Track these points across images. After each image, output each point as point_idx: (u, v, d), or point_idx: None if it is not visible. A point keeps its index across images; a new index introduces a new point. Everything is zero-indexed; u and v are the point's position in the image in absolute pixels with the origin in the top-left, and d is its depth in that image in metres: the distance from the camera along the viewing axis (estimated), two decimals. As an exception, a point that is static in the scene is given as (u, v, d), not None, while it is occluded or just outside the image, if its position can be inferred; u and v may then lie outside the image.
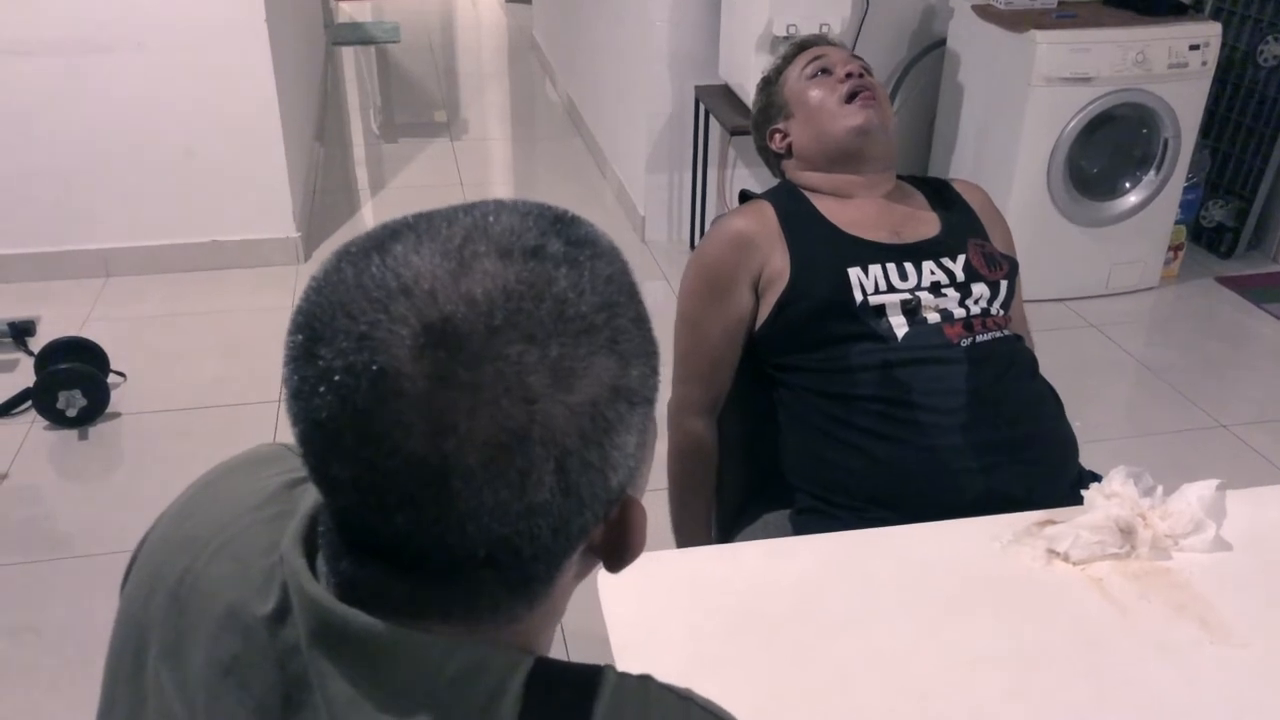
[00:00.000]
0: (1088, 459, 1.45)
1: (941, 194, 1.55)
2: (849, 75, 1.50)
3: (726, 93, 3.35)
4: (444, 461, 0.48)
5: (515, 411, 0.48)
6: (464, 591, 0.53)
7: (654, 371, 0.54)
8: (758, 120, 1.61)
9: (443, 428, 0.48)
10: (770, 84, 1.60)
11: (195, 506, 0.66)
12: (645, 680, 0.56)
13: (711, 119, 3.37)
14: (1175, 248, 3.51)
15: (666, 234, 3.77)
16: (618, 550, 0.57)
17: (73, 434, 2.64)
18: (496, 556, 0.51)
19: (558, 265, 0.51)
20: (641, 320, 0.54)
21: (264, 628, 0.55)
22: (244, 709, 0.55)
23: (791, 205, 1.49)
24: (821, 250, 1.43)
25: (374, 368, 0.48)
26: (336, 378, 0.49)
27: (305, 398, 0.50)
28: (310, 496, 0.60)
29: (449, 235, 0.51)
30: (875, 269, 1.40)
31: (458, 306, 0.48)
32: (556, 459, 0.49)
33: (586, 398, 0.50)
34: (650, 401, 0.54)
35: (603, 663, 0.56)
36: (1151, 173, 3.29)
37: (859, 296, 1.39)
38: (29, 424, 2.67)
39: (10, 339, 2.99)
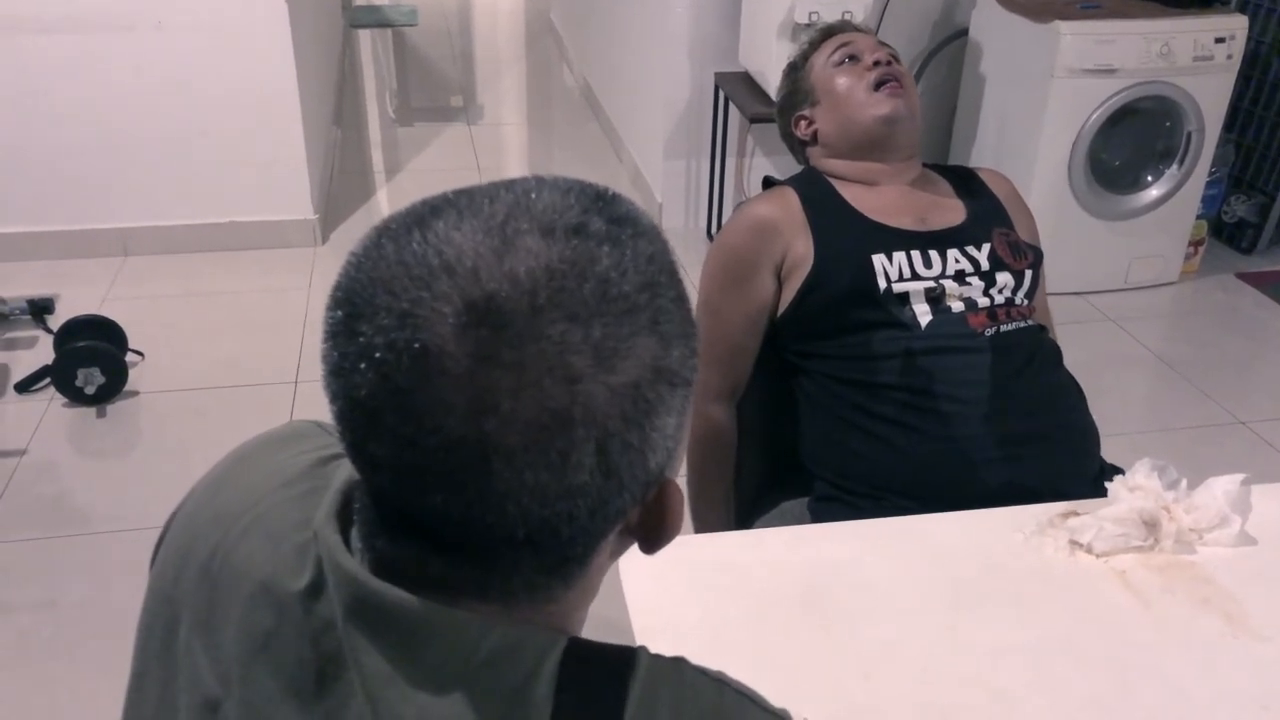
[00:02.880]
0: (1105, 454, 1.44)
1: (967, 182, 1.54)
2: (877, 63, 1.49)
3: (746, 80, 3.33)
4: (485, 441, 0.48)
5: (557, 392, 0.48)
6: (501, 571, 0.52)
7: (694, 353, 0.54)
8: (783, 106, 1.60)
9: (485, 407, 0.47)
10: (796, 70, 1.59)
11: (226, 482, 0.65)
12: (679, 662, 0.56)
13: (731, 106, 3.36)
14: (1196, 243, 3.48)
15: (683, 221, 3.76)
16: (654, 531, 0.57)
17: (91, 411, 2.66)
18: (535, 537, 0.50)
19: (600, 244, 0.50)
20: (682, 300, 0.54)
21: (298, 603, 0.55)
22: (277, 684, 0.55)
23: (815, 191, 1.48)
24: (845, 236, 1.42)
25: (416, 345, 0.47)
26: (377, 355, 0.48)
27: (345, 375, 0.50)
28: (343, 473, 0.60)
29: (491, 212, 0.50)
30: (899, 256, 1.39)
31: (501, 285, 0.48)
32: (597, 440, 0.49)
33: (629, 379, 0.49)
34: (689, 383, 0.54)
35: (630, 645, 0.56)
36: (1174, 166, 3.26)
37: (883, 284, 1.38)
38: (48, 401, 2.68)
39: (29, 317, 3.01)
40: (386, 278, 0.49)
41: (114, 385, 2.67)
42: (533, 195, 0.52)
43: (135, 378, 2.77)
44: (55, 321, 2.88)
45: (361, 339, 0.49)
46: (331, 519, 0.56)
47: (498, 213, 0.50)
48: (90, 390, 2.64)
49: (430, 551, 0.52)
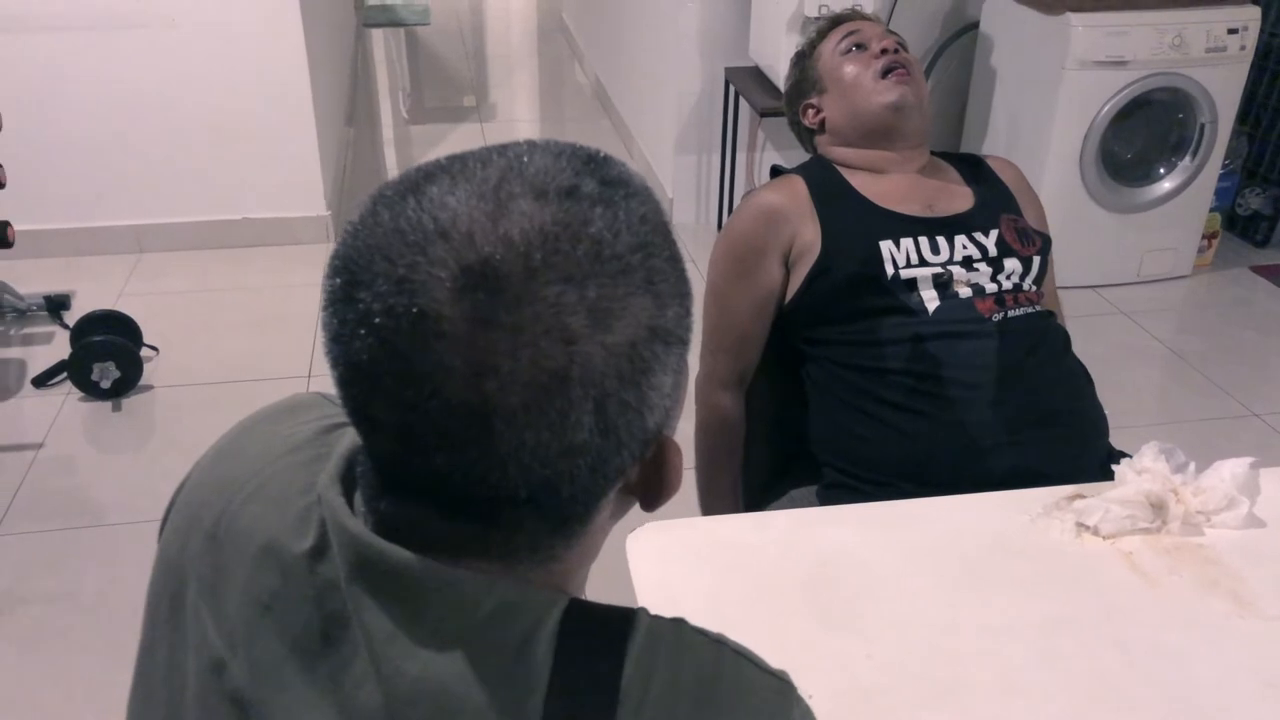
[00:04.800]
0: (1118, 445, 1.44)
1: (975, 170, 1.54)
2: (884, 51, 1.49)
3: (757, 74, 3.33)
4: (485, 403, 0.48)
5: (555, 352, 0.48)
6: (503, 530, 0.53)
7: (688, 312, 0.55)
8: (790, 95, 1.61)
9: (484, 370, 0.48)
10: (804, 58, 1.59)
11: (231, 452, 0.66)
12: (679, 623, 0.56)
13: (741, 100, 3.36)
14: (1209, 236, 3.47)
15: (694, 216, 3.77)
16: (653, 489, 0.57)
17: (106, 405, 2.68)
18: (536, 496, 0.51)
19: (593, 205, 0.51)
20: (675, 260, 0.54)
21: (302, 565, 0.56)
22: (282, 644, 0.55)
23: (823, 179, 1.48)
24: (853, 223, 1.42)
25: (414, 310, 0.48)
26: (376, 320, 0.49)
27: (345, 341, 0.51)
28: (346, 440, 0.61)
29: (484, 177, 0.51)
30: (907, 242, 1.39)
31: (496, 248, 0.48)
32: (595, 400, 0.50)
33: (624, 338, 0.50)
34: (685, 342, 0.54)
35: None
36: (1186, 159, 3.25)
37: (890, 269, 1.38)
38: (64, 395, 2.71)
39: (46, 312, 3.04)
40: (383, 244, 0.50)
41: (129, 380, 2.69)
42: (525, 159, 0.52)
43: (150, 372, 2.79)
44: (71, 317, 2.91)
45: (360, 305, 0.50)
46: (335, 482, 0.57)
47: (490, 177, 0.51)
48: (106, 384, 2.67)
49: (432, 512, 0.53)
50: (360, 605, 0.53)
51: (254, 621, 0.57)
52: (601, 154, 0.55)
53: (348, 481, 0.58)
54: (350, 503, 0.56)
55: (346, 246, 0.52)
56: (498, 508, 0.52)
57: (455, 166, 0.52)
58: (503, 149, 0.53)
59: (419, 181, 0.52)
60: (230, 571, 0.59)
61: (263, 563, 0.57)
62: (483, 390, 0.48)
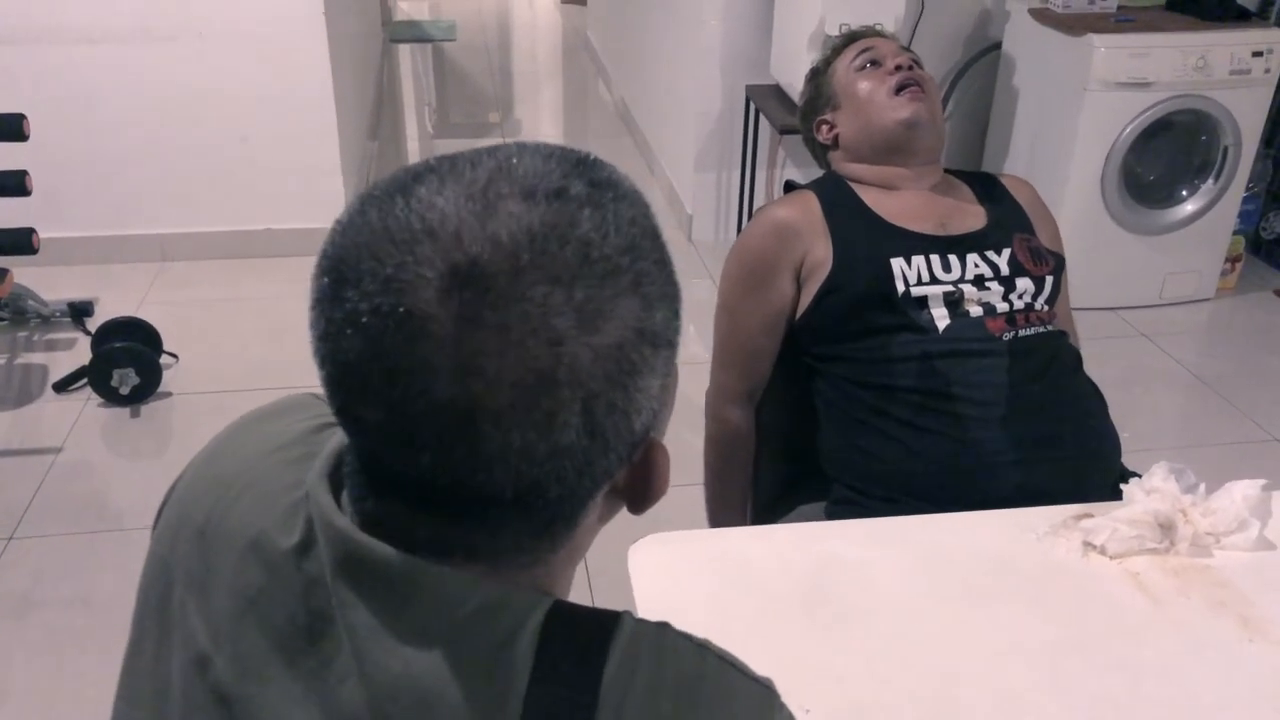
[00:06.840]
0: (1137, 469, 1.42)
1: (989, 188, 1.54)
2: (898, 68, 1.50)
3: (777, 92, 3.34)
4: (472, 403, 0.48)
5: (542, 353, 0.48)
6: (489, 531, 0.53)
7: (676, 315, 0.54)
8: (805, 111, 1.61)
9: (470, 370, 0.48)
10: (819, 74, 1.59)
11: (223, 450, 0.67)
12: (663, 626, 0.56)
13: (762, 118, 3.37)
14: (1233, 259, 3.44)
15: (713, 233, 3.77)
16: (641, 492, 0.57)
17: (125, 411, 2.71)
18: (523, 498, 0.51)
19: (581, 207, 0.51)
20: (664, 263, 0.54)
21: (288, 560, 0.56)
22: (267, 640, 0.56)
23: (836, 195, 1.48)
24: (864, 240, 1.42)
25: (400, 310, 0.48)
26: (364, 320, 0.49)
27: (332, 339, 0.51)
28: (335, 439, 0.61)
29: (473, 178, 0.51)
30: (918, 260, 1.39)
31: (483, 248, 0.48)
32: (582, 401, 0.49)
33: (611, 340, 0.50)
34: (673, 345, 0.54)
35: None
36: (1210, 181, 3.22)
37: (901, 287, 1.38)
38: (84, 400, 2.74)
39: (69, 319, 3.07)
40: (370, 244, 0.50)
41: (148, 386, 2.72)
42: (514, 160, 0.52)
43: (169, 379, 2.82)
44: (94, 324, 2.94)
45: (348, 304, 0.50)
46: (323, 479, 0.57)
47: (479, 178, 0.51)
48: (125, 391, 2.69)
49: (418, 512, 0.53)
50: (344, 601, 0.53)
51: (239, 617, 0.57)
52: (591, 157, 0.55)
53: (335, 480, 0.58)
54: (338, 501, 0.57)
55: (334, 245, 0.52)
56: (484, 508, 0.52)
57: (444, 167, 0.52)
58: (493, 150, 0.54)
59: (407, 181, 0.52)
60: (218, 567, 0.59)
61: (249, 558, 0.58)
62: (469, 390, 0.48)
